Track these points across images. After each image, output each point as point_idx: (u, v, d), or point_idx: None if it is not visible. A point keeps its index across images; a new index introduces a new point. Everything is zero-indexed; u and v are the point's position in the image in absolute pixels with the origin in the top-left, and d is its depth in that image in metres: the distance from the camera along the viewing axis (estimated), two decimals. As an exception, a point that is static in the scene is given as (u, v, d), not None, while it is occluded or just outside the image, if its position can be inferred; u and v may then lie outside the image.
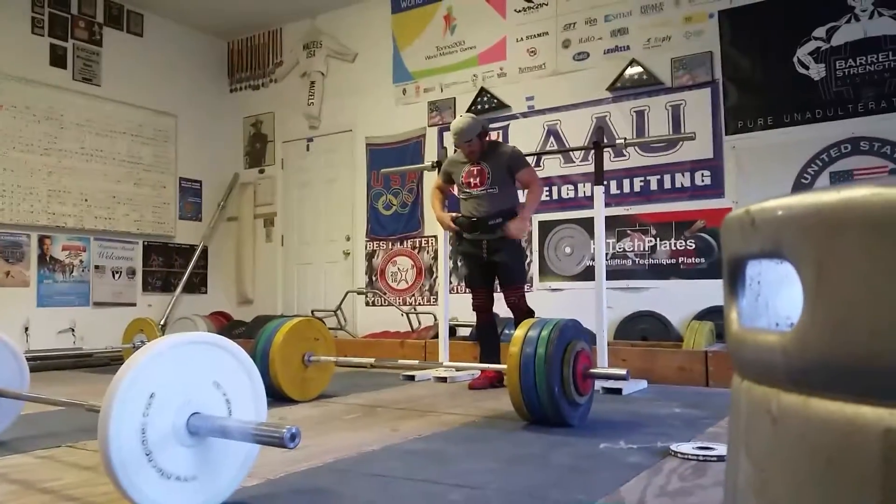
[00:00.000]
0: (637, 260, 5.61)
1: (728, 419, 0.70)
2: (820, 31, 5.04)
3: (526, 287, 4.28)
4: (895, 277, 0.47)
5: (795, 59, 5.11)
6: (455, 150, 4.44)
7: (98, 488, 1.93)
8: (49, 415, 3.26)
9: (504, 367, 3.74)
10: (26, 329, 6.23)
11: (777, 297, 0.64)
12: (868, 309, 0.49)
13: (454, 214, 4.31)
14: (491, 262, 4.18)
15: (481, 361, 4.24)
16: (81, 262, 6.75)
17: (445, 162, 4.51)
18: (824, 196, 0.52)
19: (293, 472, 2.12)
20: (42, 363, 5.69)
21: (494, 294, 4.30)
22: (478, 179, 4.18)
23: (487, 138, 4.27)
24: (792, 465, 0.53)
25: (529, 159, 4.44)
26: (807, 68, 5.07)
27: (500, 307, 4.36)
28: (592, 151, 4.35)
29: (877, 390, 0.48)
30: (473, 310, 4.33)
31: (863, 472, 0.48)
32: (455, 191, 4.45)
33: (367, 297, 7.08)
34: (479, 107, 6.46)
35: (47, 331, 6.39)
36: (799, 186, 5.02)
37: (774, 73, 5.19)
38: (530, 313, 4.04)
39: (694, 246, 5.39)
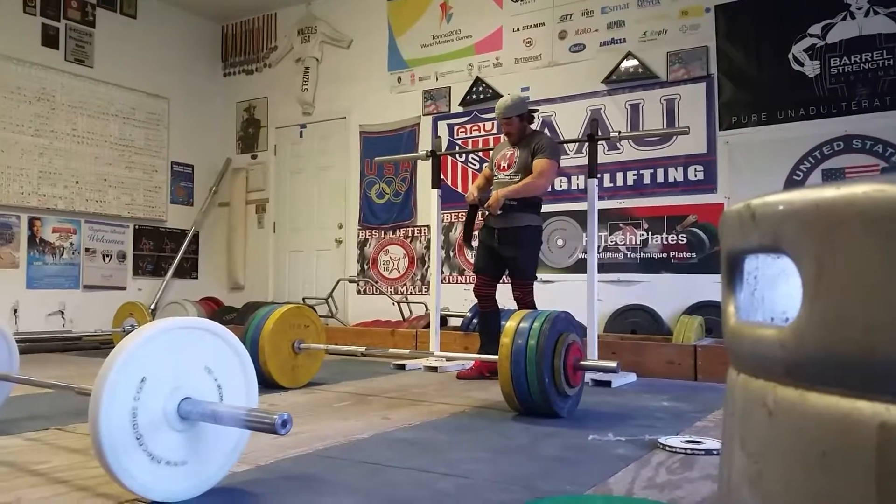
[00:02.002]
0: (629, 253, 5.63)
1: (723, 412, 0.70)
2: (815, 28, 5.04)
3: (534, 281, 4.22)
4: (894, 274, 0.47)
5: (790, 56, 5.12)
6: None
7: (87, 471, 1.93)
8: (38, 397, 3.25)
9: (484, 357, 3.76)
10: (15, 311, 6.20)
11: (773, 292, 0.65)
12: (867, 305, 0.49)
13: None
14: (501, 253, 4.15)
15: (479, 350, 4.24)
16: (72, 244, 6.71)
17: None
18: (825, 192, 0.52)
19: (283, 459, 2.12)
20: (31, 345, 5.67)
21: (499, 284, 4.28)
22: (506, 163, 4.18)
23: (532, 125, 4.26)
24: (787, 457, 0.54)
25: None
26: (802, 65, 5.08)
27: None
28: (586, 144, 4.34)
29: (873, 385, 0.49)
30: (474, 294, 4.33)
31: (858, 465, 0.48)
32: None
33: (358, 285, 7.07)
34: (474, 96, 6.45)
35: (36, 313, 6.36)
36: (791, 183, 5.04)
37: (769, 69, 5.20)
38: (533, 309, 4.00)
39: (685, 240, 5.41)
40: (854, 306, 0.50)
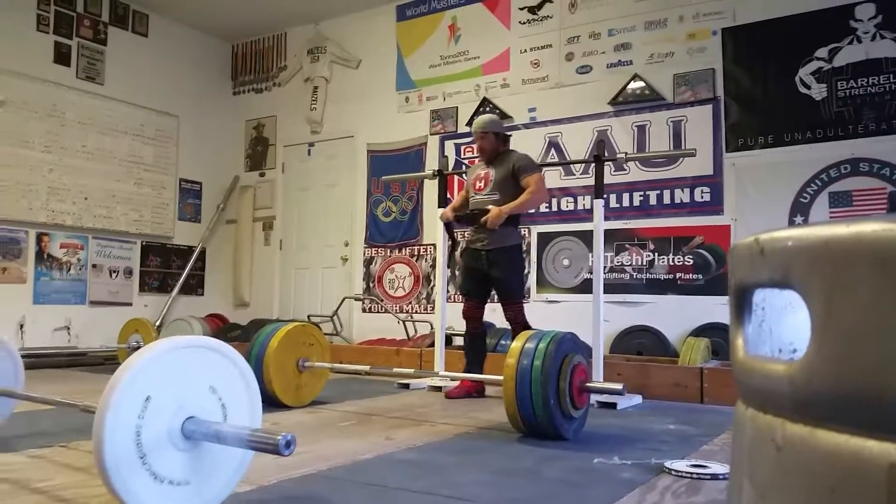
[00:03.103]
0: (635, 274, 5.61)
1: (731, 443, 0.70)
2: (822, 52, 5.06)
3: (524, 300, 4.26)
4: (904, 312, 0.47)
5: (797, 79, 5.13)
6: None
7: (90, 490, 1.92)
8: (42, 414, 3.24)
9: (489, 377, 3.76)
10: (21, 326, 6.22)
11: (781, 324, 0.64)
12: (876, 343, 0.49)
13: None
14: (489, 275, 4.16)
15: (465, 370, 4.23)
16: (79, 260, 6.73)
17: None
18: (834, 229, 0.52)
19: (286, 479, 2.11)
20: (36, 361, 5.67)
21: (487, 306, 4.31)
22: (482, 183, 4.22)
23: (505, 145, 4.30)
24: (795, 494, 0.53)
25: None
26: (808, 88, 5.09)
27: (492, 317, 4.34)
28: (593, 164, 4.36)
29: (883, 424, 0.48)
30: (463, 316, 4.33)
31: (867, 505, 0.48)
32: None
33: (363, 303, 7.07)
34: (481, 117, 6.48)
35: (43, 328, 6.37)
36: (798, 206, 5.03)
37: (776, 91, 5.21)
38: (527, 327, 4.01)
39: (692, 262, 5.39)
40: (864, 345, 0.49)
